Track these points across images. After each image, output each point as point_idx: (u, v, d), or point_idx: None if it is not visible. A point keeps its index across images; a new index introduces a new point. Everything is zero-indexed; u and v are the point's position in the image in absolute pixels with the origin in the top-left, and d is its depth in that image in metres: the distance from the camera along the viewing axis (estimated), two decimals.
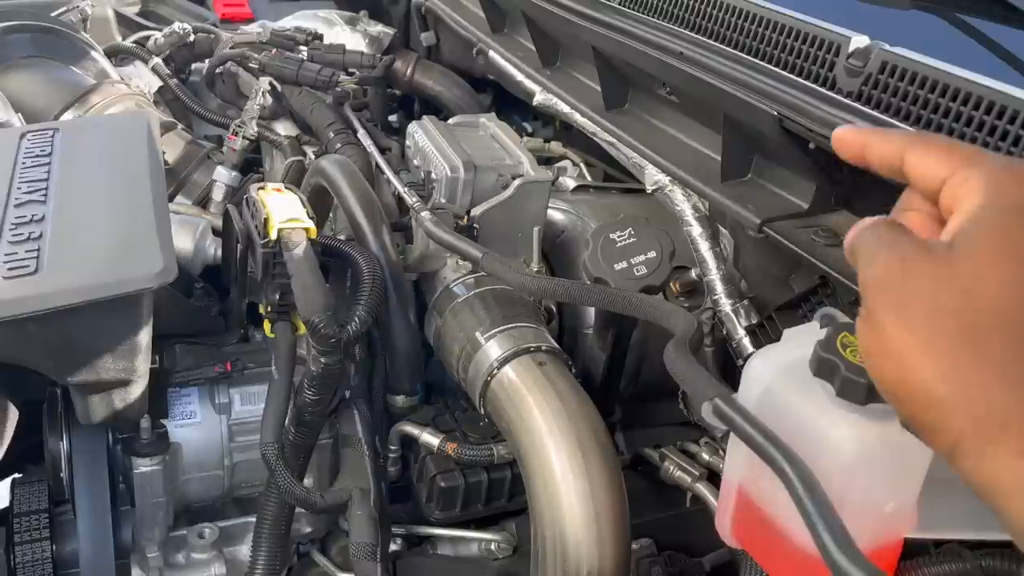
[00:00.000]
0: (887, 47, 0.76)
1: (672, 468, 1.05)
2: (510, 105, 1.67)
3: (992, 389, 0.39)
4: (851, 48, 0.78)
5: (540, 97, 1.31)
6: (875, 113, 0.75)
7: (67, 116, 1.41)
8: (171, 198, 1.45)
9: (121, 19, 1.95)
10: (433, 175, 1.10)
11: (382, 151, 1.35)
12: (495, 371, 0.92)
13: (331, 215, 1.20)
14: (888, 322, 0.42)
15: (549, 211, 1.14)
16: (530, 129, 1.68)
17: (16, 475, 1.10)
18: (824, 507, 0.46)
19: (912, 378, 0.41)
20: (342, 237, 1.09)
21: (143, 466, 0.97)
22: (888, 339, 0.42)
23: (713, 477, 1.03)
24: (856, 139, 0.50)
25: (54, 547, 0.97)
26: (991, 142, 0.66)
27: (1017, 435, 0.38)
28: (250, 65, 1.58)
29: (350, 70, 1.56)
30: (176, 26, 1.78)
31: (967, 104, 0.69)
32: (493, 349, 0.94)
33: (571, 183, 1.34)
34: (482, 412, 0.95)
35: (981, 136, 0.67)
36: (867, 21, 0.80)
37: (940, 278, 0.41)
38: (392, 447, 1.07)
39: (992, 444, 0.38)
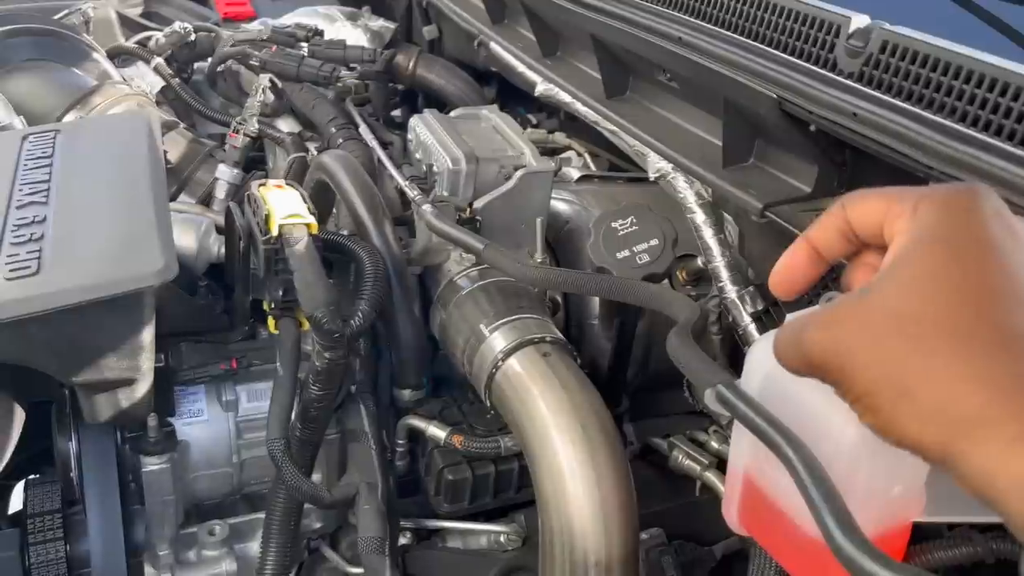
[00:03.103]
0: (888, 26, 0.75)
1: (681, 457, 1.04)
2: (514, 97, 1.67)
3: (958, 389, 0.40)
4: (851, 28, 0.77)
5: (542, 88, 1.30)
6: (877, 93, 0.74)
7: (69, 117, 1.41)
8: (174, 197, 1.46)
9: (124, 20, 1.95)
10: (435, 168, 1.09)
11: (384, 145, 1.35)
12: (500, 363, 0.92)
13: (334, 210, 1.20)
14: (842, 372, 0.44)
15: (553, 202, 1.13)
16: (535, 120, 1.67)
17: (31, 476, 1.11)
18: (829, 492, 0.46)
19: (881, 403, 0.42)
20: (345, 232, 1.09)
21: (151, 464, 0.97)
22: (854, 384, 0.44)
23: (722, 466, 1.02)
24: (798, 247, 0.52)
25: (67, 547, 0.97)
26: (994, 120, 0.65)
27: (998, 428, 0.38)
28: (251, 62, 1.58)
29: (351, 65, 1.56)
30: (177, 25, 1.78)
31: (970, 82, 0.68)
32: (497, 341, 0.94)
33: (575, 173, 1.34)
34: (488, 404, 0.95)
35: (984, 114, 0.66)
36: (867, 0, 0.79)
37: (867, 318, 0.44)
38: (399, 441, 1.07)
39: (975, 444, 0.39)
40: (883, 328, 0.43)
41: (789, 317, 0.61)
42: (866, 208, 0.48)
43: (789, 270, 0.53)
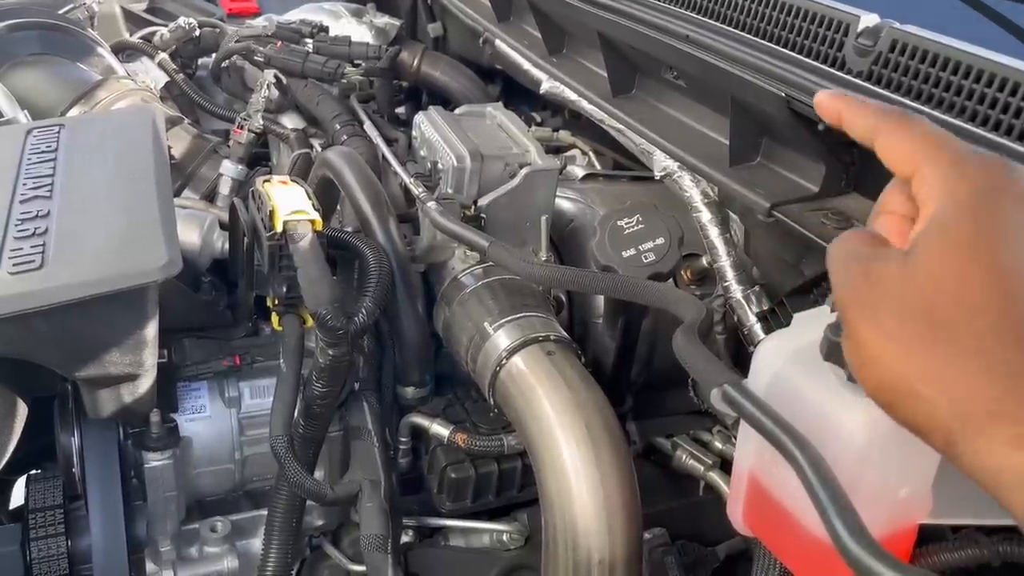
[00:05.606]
0: (897, 25, 0.75)
1: (684, 457, 1.04)
2: (519, 95, 1.66)
3: (974, 381, 0.39)
4: (860, 27, 0.77)
5: (547, 85, 1.30)
6: (886, 92, 0.74)
7: (73, 112, 1.41)
8: (178, 193, 1.46)
9: (128, 16, 1.95)
10: (440, 165, 1.09)
11: (388, 142, 1.34)
12: (504, 361, 0.91)
13: (338, 207, 1.20)
14: (864, 332, 0.43)
15: (558, 200, 1.13)
16: (539, 119, 1.67)
17: (33, 471, 1.11)
18: (836, 493, 0.45)
19: (896, 382, 0.42)
20: (349, 229, 1.09)
21: (154, 460, 0.97)
22: (868, 349, 0.43)
23: (726, 465, 1.02)
24: (832, 106, 0.51)
25: (69, 542, 0.97)
26: (1004, 119, 0.65)
27: (1007, 423, 0.38)
28: (255, 58, 1.58)
29: (356, 62, 1.56)
30: (181, 21, 1.78)
31: (979, 81, 0.67)
32: (501, 339, 0.93)
33: (580, 172, 1.33)
34: (491, 403, 0.95)
35: (994, 113, 0.66)
36: None
37: (903, 283, 0.43)
38: (402, 439, 1.06)
39: (984, 436, 0.39)
40: (908, 308, 0.42)
41: (797, 316, 0.61)
42: (896, 155, 0.47)
43: (818, 106, 0.52)
